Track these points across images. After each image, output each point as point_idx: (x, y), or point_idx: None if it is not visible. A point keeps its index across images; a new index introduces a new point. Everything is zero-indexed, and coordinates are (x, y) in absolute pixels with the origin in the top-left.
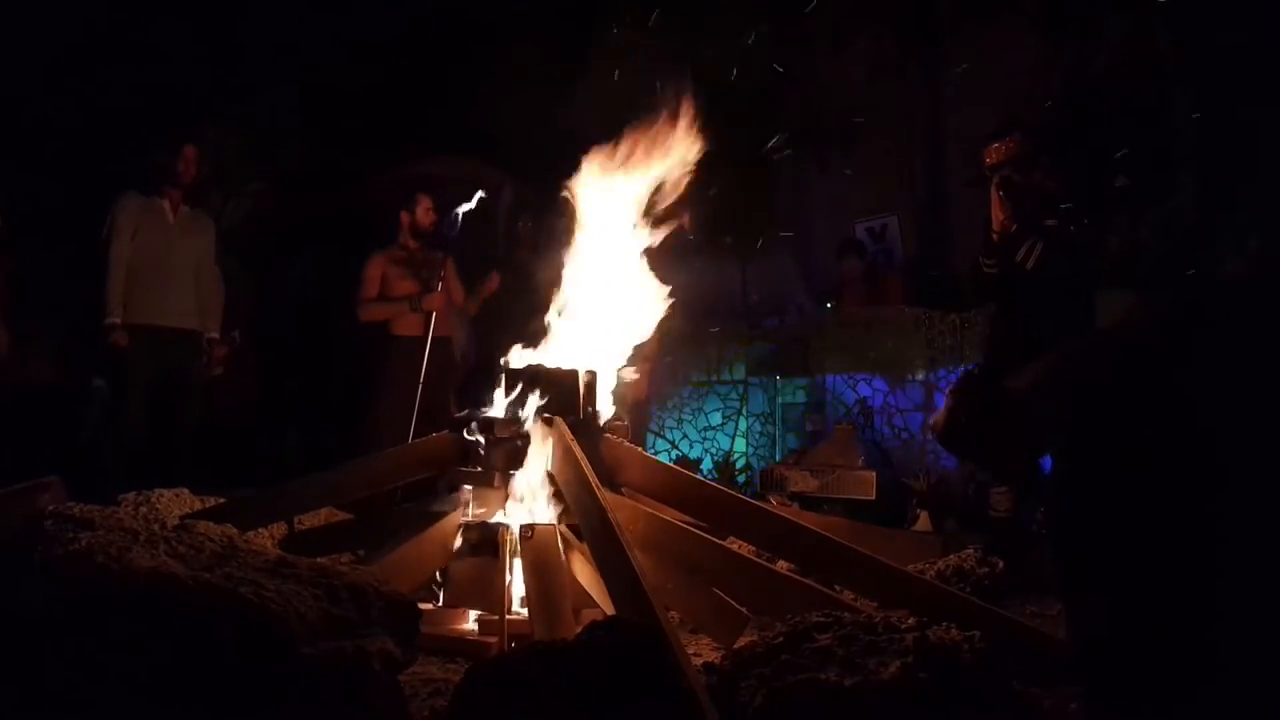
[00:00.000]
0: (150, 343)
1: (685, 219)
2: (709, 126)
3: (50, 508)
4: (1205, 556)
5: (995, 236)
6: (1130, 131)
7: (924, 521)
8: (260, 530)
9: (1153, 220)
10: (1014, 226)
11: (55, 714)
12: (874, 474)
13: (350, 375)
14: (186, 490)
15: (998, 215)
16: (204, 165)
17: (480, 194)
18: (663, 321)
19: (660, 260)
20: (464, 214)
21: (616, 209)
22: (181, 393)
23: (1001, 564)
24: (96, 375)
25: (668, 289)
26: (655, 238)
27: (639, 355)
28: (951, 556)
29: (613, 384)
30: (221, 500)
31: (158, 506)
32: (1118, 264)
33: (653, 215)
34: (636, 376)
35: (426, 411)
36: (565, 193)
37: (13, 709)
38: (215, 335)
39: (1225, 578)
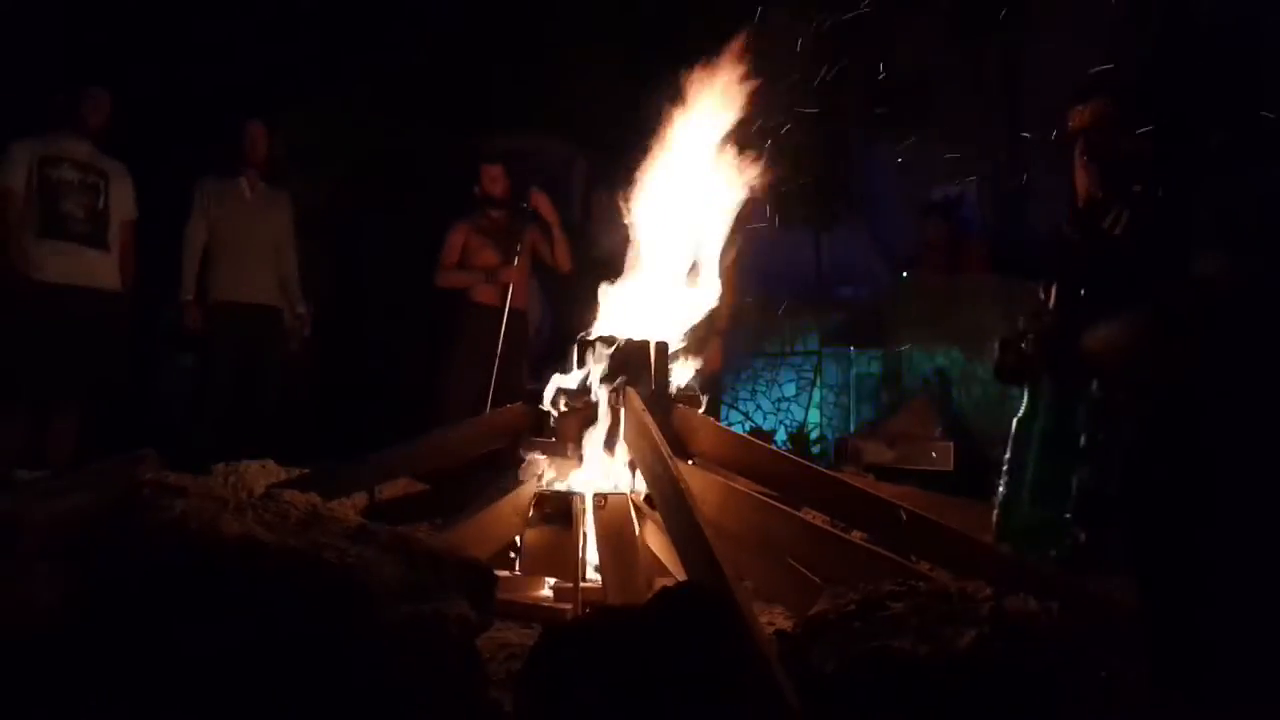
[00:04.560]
0: (232, 319)
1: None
2: (781, 93)
3: (148, 476)
4: None
5: (1080, 204)
6: (1228, 85)
7: None
8: (342, 500)
9: (1254, 181)
10: (1100, 194)
11: (153, 671)
12: (952, 444)
13: (427, 346)
14: (272, 461)
15: (1083, 182)
16: (275, 142)
17: (537, 189)
18: (733, 294)
19: (734, 230)
20: (535, 188)
21: (689, 178)
22: (265, 367)
23: (1083, 536)
24: (186, 352)
25: (738, 259)
26: (729, 206)
27: (710, 328)
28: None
29: (680, 354)
30: (305, 471)
31: (245, 476)
32: (1214, 228)
33: (727, 183)
34: (699, 351)
35: (502, 382)
36: (637, 164)
37: (114, 667)
38: (302, 310)
39: None
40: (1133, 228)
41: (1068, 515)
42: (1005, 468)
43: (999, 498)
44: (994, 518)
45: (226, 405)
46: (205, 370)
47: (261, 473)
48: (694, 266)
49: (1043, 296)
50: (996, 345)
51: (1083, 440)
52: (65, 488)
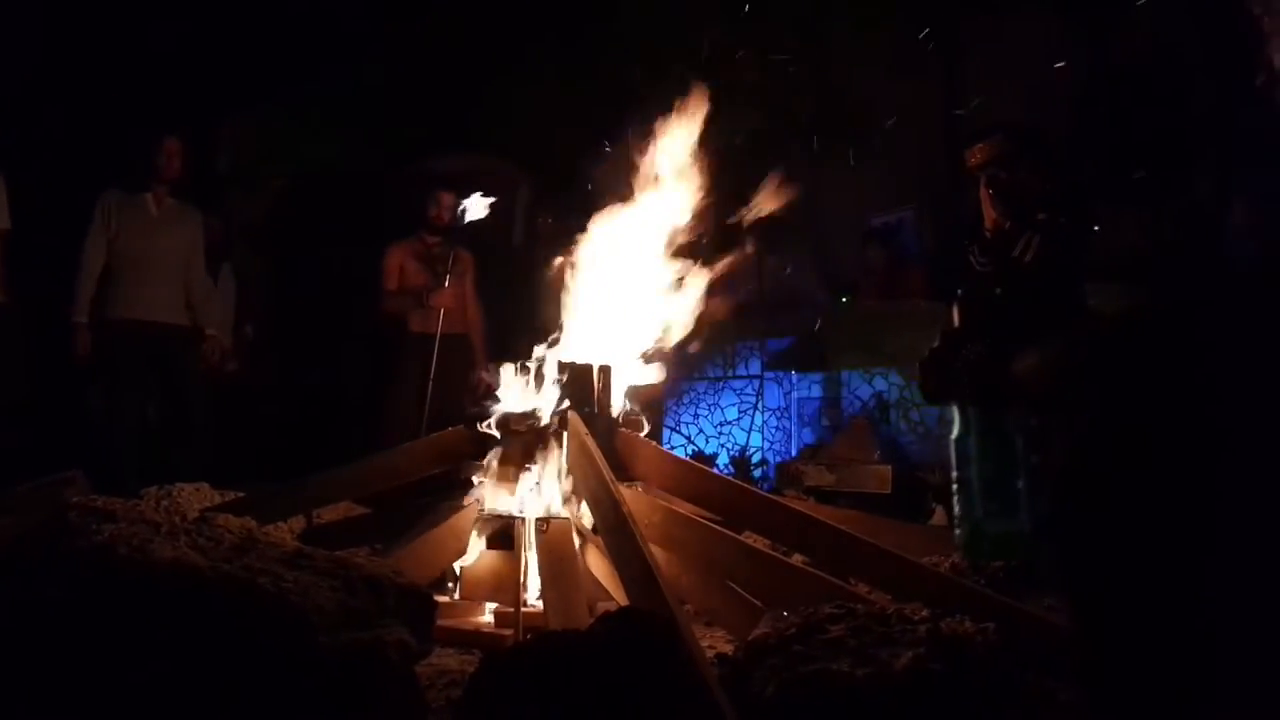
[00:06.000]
0: (132, 337)
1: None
2: (723, 120)
3: (74, 500)
4: (1209, 552)
5: (988, 234)
6: (1151, 123)
7: (940, 516)
8: (279, 524)
9: (1173, 213)
10: (1007, 224)
11: (79, 701)
12: (890, 468)
13: (366, 370)
14: (207, 485)
15: (989, 213)
16: (190, 159)
17: (490, 199)
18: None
19: (676, 256)
20: (474, 209)
21: (633, 208)
22: (181, 388)
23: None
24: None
25: (684, 287)
26: (671, 234)
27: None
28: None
29: (633, 384)
30: (241, 494)
31: (179, 500)
32: (1137, 257)
33: (669, 211)
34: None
35: (438, 408)
36: (582, 192)
37: (37, 697)
38: (213, 331)
39: (1229, 574)
40: (1042, 253)
41: (1020, 523)
42: (954, 485)
43: (956, 514)
44: (956, 534)
45: (140, 426)
46: (110, 391)
47: (196, 496)
48: (639, 291)
49: (954, 316)
50: (918, 368)
51: (1019, 443)
52: None
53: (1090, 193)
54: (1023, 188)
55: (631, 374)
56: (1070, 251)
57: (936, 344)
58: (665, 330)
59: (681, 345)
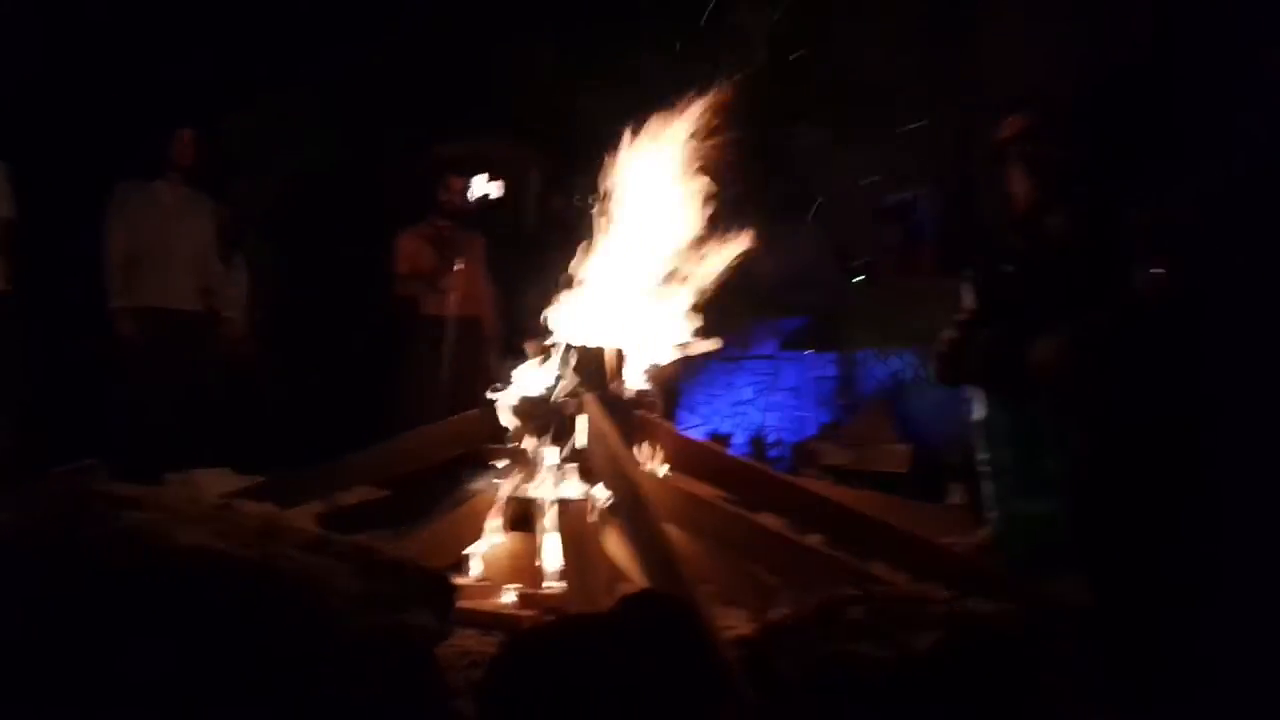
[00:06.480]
0: (153, 325)
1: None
2: (734, 99)
3: (95, 488)
4: (1226, 538)
5: (1021, 210)
6: (1163, 103)
7: (957, 495)
8: (299, 508)
9: (1184, 193)
10: (1039, 196)
11: (101, 688)
12: (908, 447)
13: (380, 354)
14: (228, 470)
15: (1022, 186)
16: (205, 149)
17: (499, 182)
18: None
19: (691, 234)
20: (483, 191)
21: (646, 188)
22: (200, 375)
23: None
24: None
25: (698, 264)
26: (686, 213)
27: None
28: (985, 530)
29: (649, 366)
30: (261, 479)
31: (200, 486)
32: (1149, 237)
33: (683, 190)
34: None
35: (452, 390)
36: (596, 173)
37: (60, 684)
38: (231, 315)
39: (1246, 558)
40: (1077, 227)
41: (1053, 502)
42: (988, 469)
43: (989, 500)
44: (990, 521)
45: (160, 413)
46: (129, 378)
47: (216, 482)
48: (653, 275)
49: (967, 297)
50: (934, 355)
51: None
52: (7, 500)
53: (1117, 172)
54: (1055, 162)
55: (649, 354)
56: (1107, 226)
57: (951, 332)
58: (680, 311)
59: (696, 326)
